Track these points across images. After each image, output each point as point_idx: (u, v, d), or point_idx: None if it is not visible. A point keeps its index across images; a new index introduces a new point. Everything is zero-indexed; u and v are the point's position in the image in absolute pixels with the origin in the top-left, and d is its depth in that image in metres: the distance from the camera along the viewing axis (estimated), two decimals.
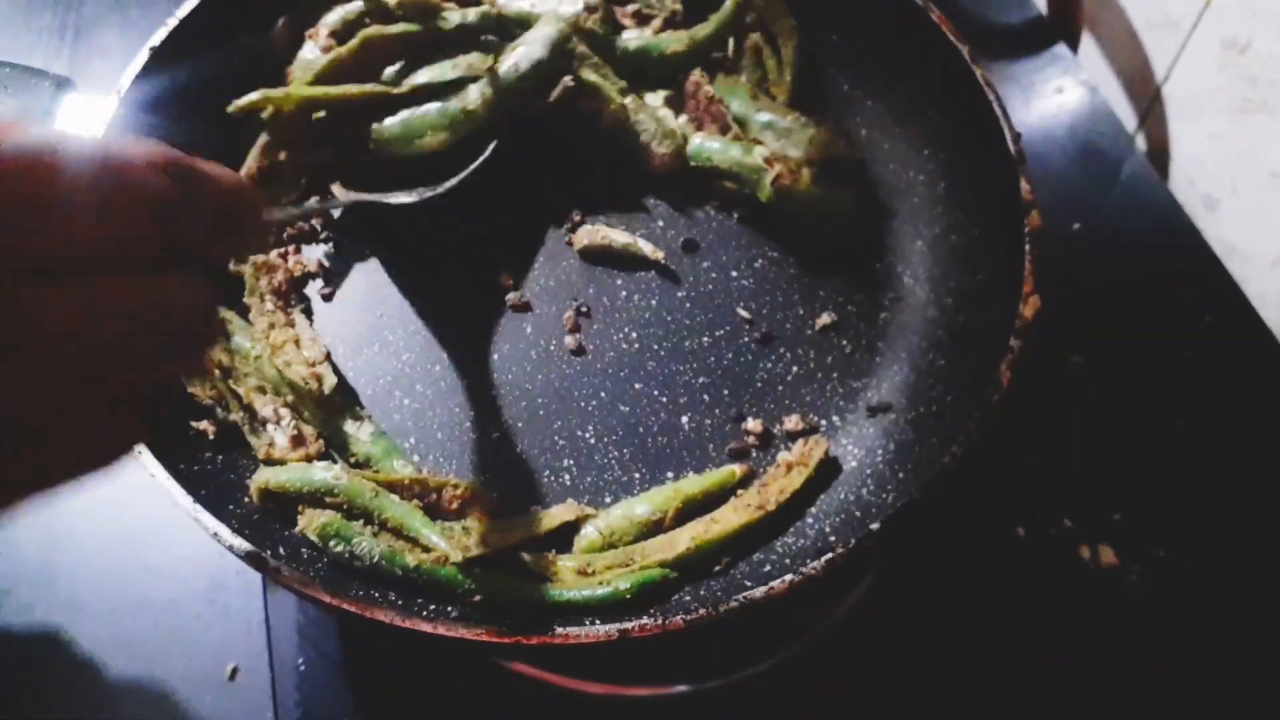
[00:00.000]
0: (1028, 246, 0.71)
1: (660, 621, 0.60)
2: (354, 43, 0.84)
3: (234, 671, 0.80)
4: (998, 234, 0.77)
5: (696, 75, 0.90)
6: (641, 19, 0.94)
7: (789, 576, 0.61)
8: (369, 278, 0.87)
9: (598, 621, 0.63)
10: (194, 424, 0.75)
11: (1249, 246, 1.02)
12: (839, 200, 0.86)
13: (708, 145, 0.87)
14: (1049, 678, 0.79)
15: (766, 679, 0.78)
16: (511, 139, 0.86)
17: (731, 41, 0.94)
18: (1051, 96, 1.13)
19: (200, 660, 0.81)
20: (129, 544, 0.86)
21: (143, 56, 0.81)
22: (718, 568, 0.71)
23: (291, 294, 0.84)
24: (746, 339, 0.83)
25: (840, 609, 0.81)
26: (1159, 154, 1.13)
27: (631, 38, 0.91)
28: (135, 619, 0.82)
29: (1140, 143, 1.15)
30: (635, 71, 0.90)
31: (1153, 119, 1.14)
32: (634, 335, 0.83)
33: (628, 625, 0.60)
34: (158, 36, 0.82)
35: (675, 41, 0.89)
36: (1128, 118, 1.16)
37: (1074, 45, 1.18)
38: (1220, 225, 1.05)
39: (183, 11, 0.83)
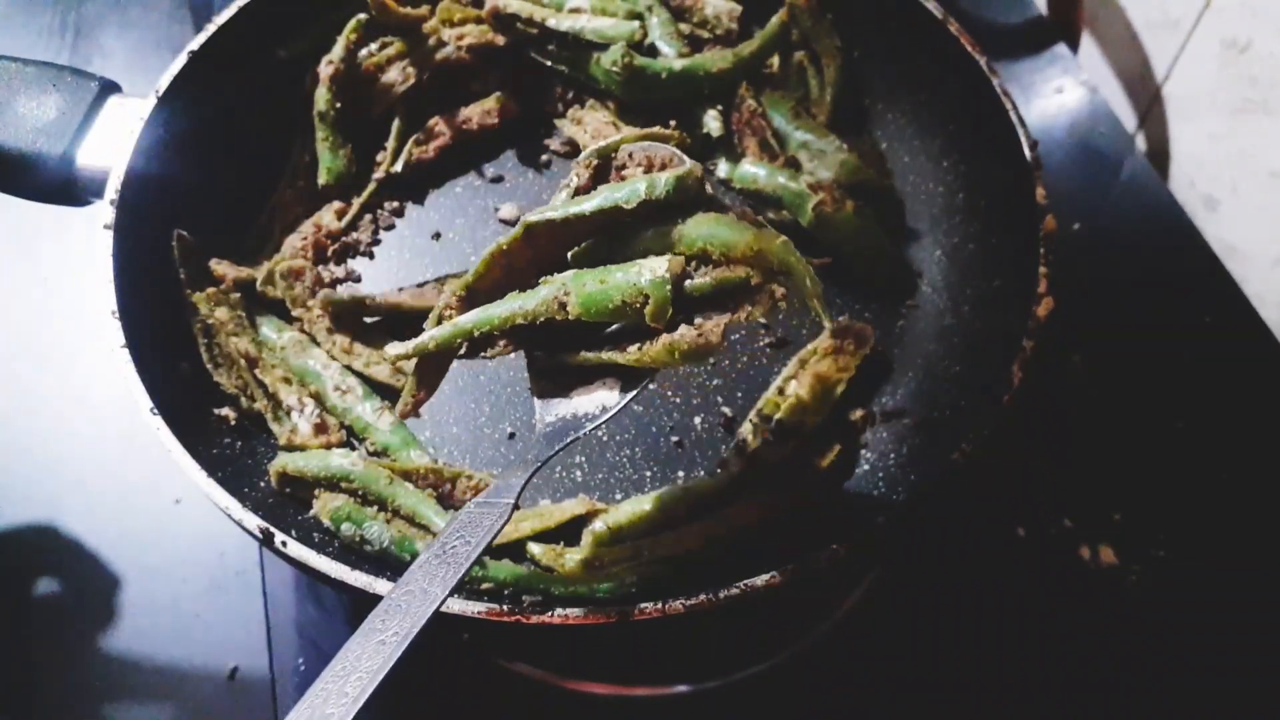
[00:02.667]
0: (1042, 250, 0.72)
1: (660, 606, 0.60)
2: None
3: (234, 671, 0.80)
4: (1013, 240, 0.78)
5: (742, 89, 0.91)
6: (695, 42, 0.94)
7: (791, 566, 0.61)
8: (391, 277, 0.87)
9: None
10: (215, 411, 0.76)
11: (1249, 246, 1.02)
12: (876, 233, 0.86)
13: (753, 170, 0.87)
14: (1049, 678, 0.79)
15: (766, 679, 0.78)
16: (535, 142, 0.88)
17: (778, 57, 0.94)
18: (1051, 96, 1.13)
19: (200, 660, 0.81)
20: (130, 545, 0.86)
21: (181, 60, 0.82)
22: (724, 565, 0.71)
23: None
24: (761, 343, 0.83)
25: (840, 609, 0.81)
26: (1159, 154, 1.13)
27: (676, 57, 0.91)
28: (135, 619, 0.83)
29: (1140, 143, 1.15)
30: (683, 90, 0.90)
31: (1153, 119, 1.14)
32: None
33: (627, 608, 0.60)
34: (197, 41, 0.83)
35: (720, 60, 0.89)
36: (1128, 118, 1.16)
37: (1074, 45, 1.18)
38: (1220, 225, 1.05)
39: (222, 19, 0.85)
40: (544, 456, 0.63)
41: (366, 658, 0.51)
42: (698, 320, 0.60)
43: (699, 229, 0.60)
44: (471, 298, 0.66)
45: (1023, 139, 0.77)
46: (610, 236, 0.64)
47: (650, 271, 0.59)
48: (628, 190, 0.62)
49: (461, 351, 0.66)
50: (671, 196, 0.61)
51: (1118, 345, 0.95)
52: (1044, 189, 0.75)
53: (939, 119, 0.89)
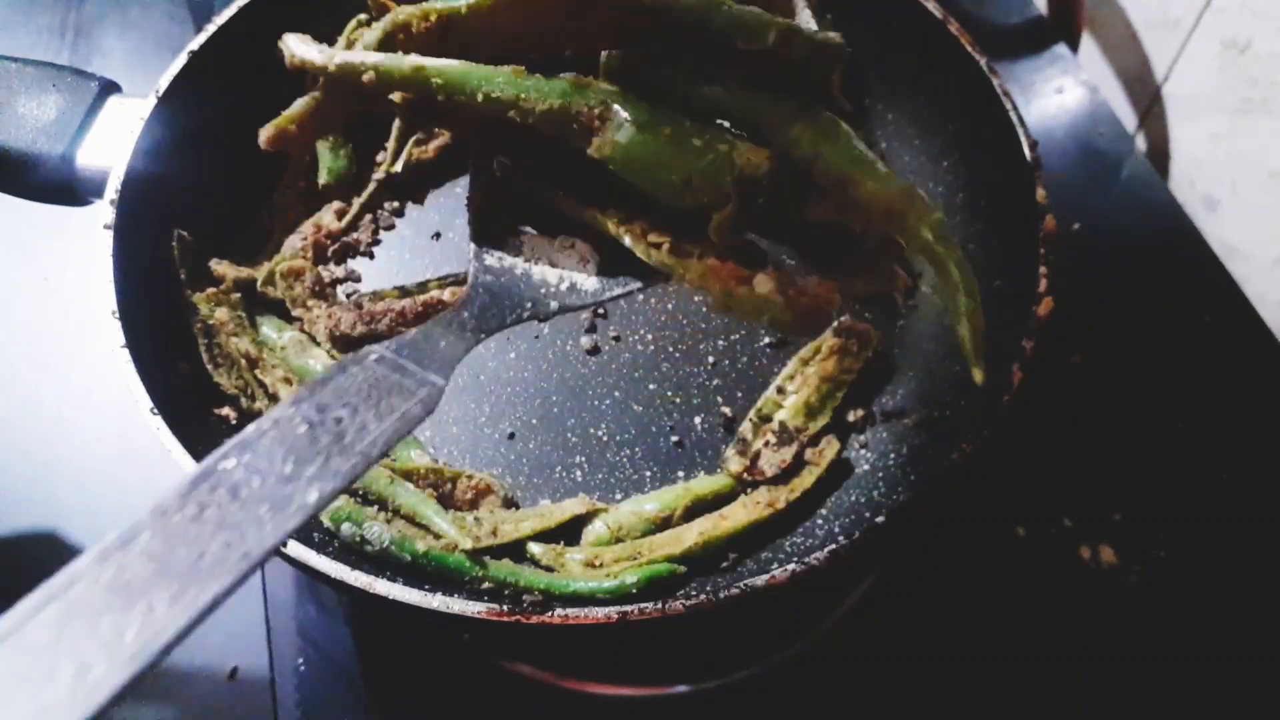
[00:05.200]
0: (1042, 250, 0.72)
1: (660, 606, 0.60)
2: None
3: (234, 671, 0.80)
4: (1014, 240, 0.77)
5: None
6: None
7: (791, 566, 0.61)
8: (391, 277, 0.87)
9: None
10: (215, 411, 0.76)
11: (1249, 246, 1.02)
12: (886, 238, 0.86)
13: None
14: (1049, 677, 0.79)
15: (766, 679, 0.78)
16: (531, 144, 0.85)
17: None
18: (1051, 96, 1.13)
19: (200, 660, 0.81)
20: None
21: (181, 60, 0.82)
22: (724, 564, 0.71)
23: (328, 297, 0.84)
24: (762, 343, 0.83)
25: (840, 609, 0.81)
26: (1159, 154, 1.13)
27: None
28: None
29: (1140, 143, 1.15)
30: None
31: (1153, 119, 1.14)
32: (649, 337, 0.83)
33: (627, 609, 0.60)
34: (197, 41, 0.83)
35: None
36: (1128, 118, 1.16)
37: (1074, 45, 1.18)
38: (1220, 225, 1.05)
39: (222, 19, 0.84)
40: (490, 324, 0.46)
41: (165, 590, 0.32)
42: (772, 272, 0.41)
43: (828, 141, 0.42)
44: (444, 34, 0.44)
45: (1023, 139, 0.77)
46: (693, 62, 0.43)
47: (746, 159, 0.40)
48: (754, 18, 0.41)
49: (397, 101, 0.44)
50: (805, 60, 0.42)
51: (1118, 345, 0.95)
52: (1044, 189, 0.75)
53: (939, 119, 0.89)
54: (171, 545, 0.31)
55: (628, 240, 0.43)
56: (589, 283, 0.47)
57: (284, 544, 0.33)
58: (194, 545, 0.30)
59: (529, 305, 0.46)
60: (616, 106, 0.41)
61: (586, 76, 0.42)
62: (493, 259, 0.47)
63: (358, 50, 0.44)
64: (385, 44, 0.44)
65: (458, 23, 0.42)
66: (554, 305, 0.47)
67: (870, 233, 0.42)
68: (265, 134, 0.44)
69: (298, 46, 0.45)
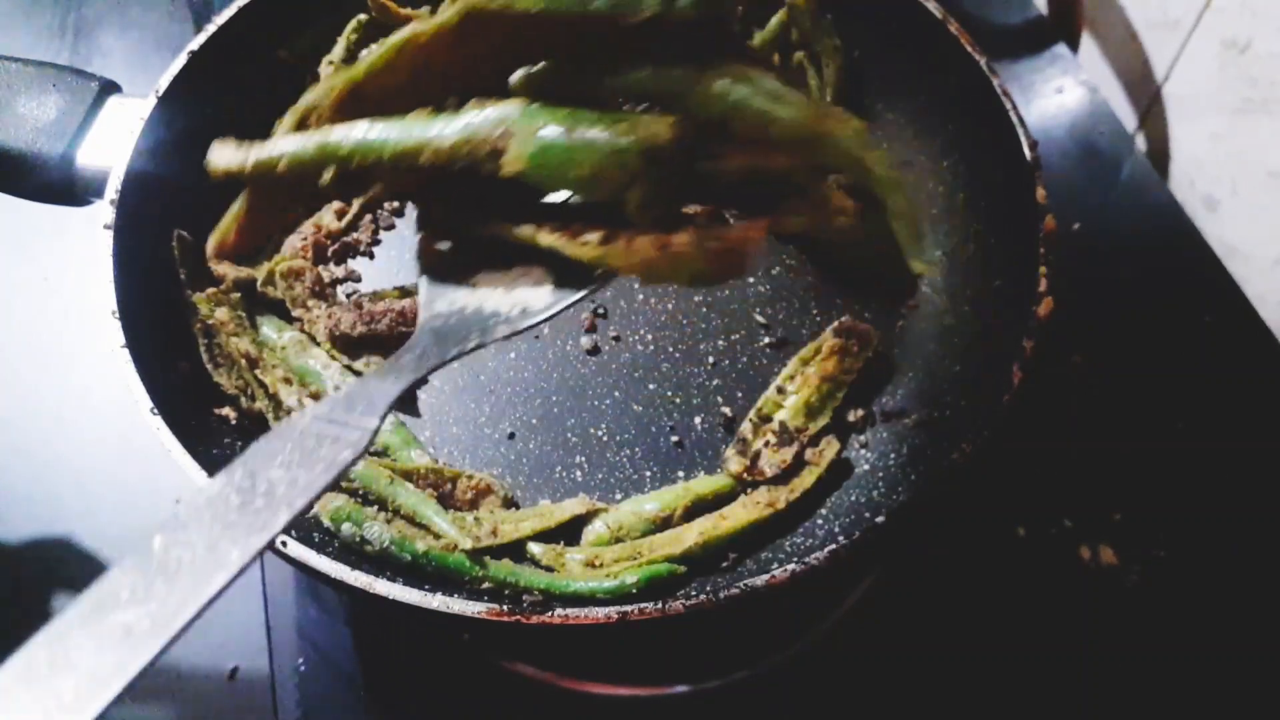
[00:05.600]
0: (1042, 250, 0.72)
1: (660, 606, 0.60)
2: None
3: (234, 671, 0.80)
4: (1014, 240, 0.78)
5: None
6: None
7: (791, 566, 0.61)
8: (391, 277, 0.87)
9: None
10: (215, 411, 0.76)
11: (1249, 246, 1.02)
12: (882, 238, 0.86)
13: None
14: (1049, 678, 0.79)
15: (766, 679, 0.78)
16: None
17: (777, 58, 0.94)
18: (1051, 96, 1.13)
19: (200, 660, 0.81)
20: (130, 545, 0.86)
21: (181, 60, 0.82)
22: (725, 564, 0.71)
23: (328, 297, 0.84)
24: (761, 343, 0.83)
25: (840, 609, 0.81)
26: (1159, 154, 1.13)
27: None
28: None
29: (1140, 143, 1.15)
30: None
31: (1153, 119, 1.14)
32: (649, 337, 0.83)
33: (627, 609, 0.60)
34: (197, 41, 0.83)
35: None
36: (1128, 118, 1.16)
37: (1074, 45, 1.18)
38: (1220, 225, 1.05)
39: (222, 19, 0.85)
40: (429, 364, 0.46)
41: (98, 653, 0.35)
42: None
43: (730, 87, 0.41)
44: (354, 102, 0.44)
45: (1023, 139, 0.77)
46: (586, 60, 0.43)
47: (645, 132, 0.40)
48: None
49: (324, 182, 0.44)
50: (695, 18, 0.41)
51: (1118, 345, 0.95)
52: (1044, 189, 0.75)
53: (939, 119, 0.89)
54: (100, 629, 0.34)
55: (562, 246, 0.43)
56: (538, 301, 0.46)
57: (202, 613, 0.35)
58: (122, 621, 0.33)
59: (474, 338, 0.46)
60: (516, 122, 0.41)
61: (484, 100, 0.43)
62: (444, 303, 0.48)
63: (272, 141, 0.44)
64: (300, 123, 0.45)
65: (361, 88, 0.43)
66: (501, 331, 0.47)
67: (797, 169, 0.42)
68: (209, 250, 0.47)
69: (218, 156, 0.46)
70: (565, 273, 0.45)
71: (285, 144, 0.43)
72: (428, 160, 0.42)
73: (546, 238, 0.44)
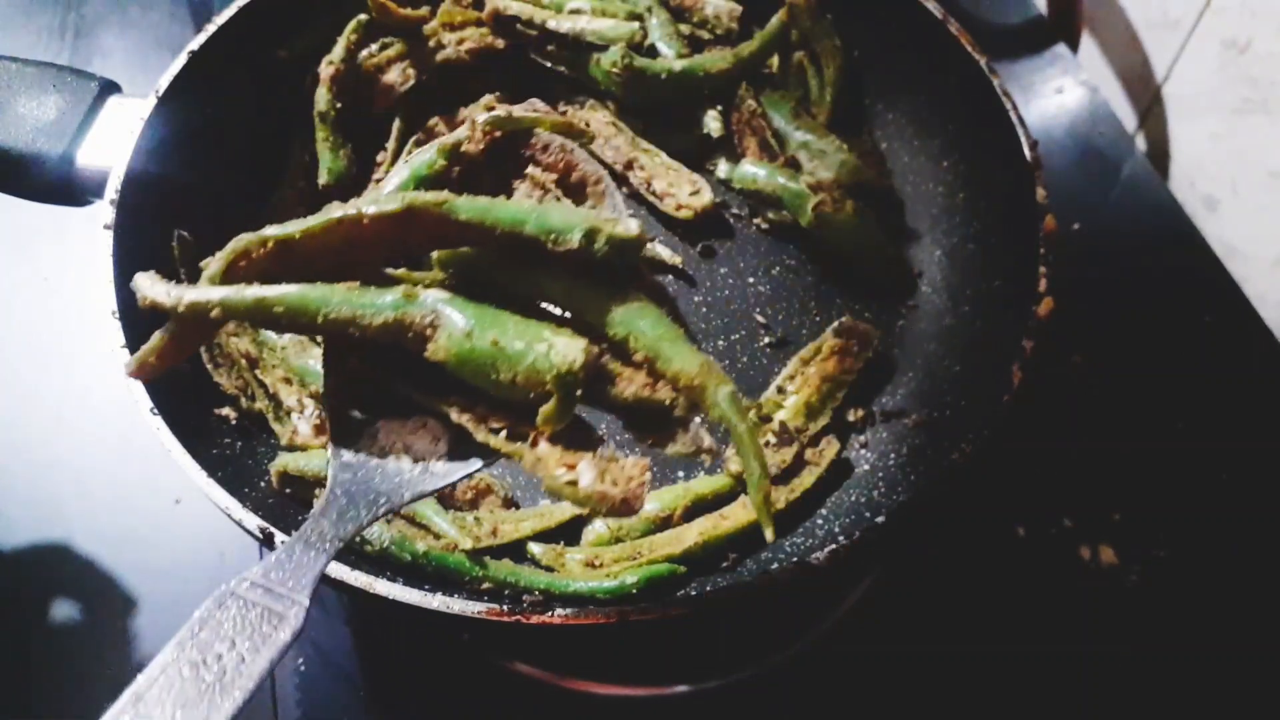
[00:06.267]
0: (1042, 250, 0.72)
1: (660, 606, 0.60)
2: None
3: None
4: (1014, 239, 0.78)
5: (741, 89, 0.91)
6: (695, 42, 0.94)
7: (791, 565, 0.61)
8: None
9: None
10: (215, 411, 0.76)
11: (1249, 246, 1.02)
12: (876, 233, 0.86)
13: (753, 170, 0.87)
14: (1049, 678, 0.79)
15: (766, 679, 0.78)
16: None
17: (777, 57, 0.95)
18: (1051, 96, 1.13)
19: None
20: (130, 545, 0.86)
21: (181, 60, 0.82)
22: (725, 564, 0.71)
23: None
24: (762, 343, 0.83)
25: (840, 609, 0.81)
26: (1159, 154, 1.13)
27: (676, 58, 0.90)
28: (136, 619, 0.82)
29: (1140, 143, 1.15)
30: (682, 91, 0.90)
31: (1153, 119, 1.14)
32: None
33: (627, 608, 0.60)
34: (197, 41, 0.83)
35: (720, 60, 0.89)
36: (1128, 118, 1.16)
37: (1074, 45, 1.18)
38: (1220, 225, 1.05)
39: (222, 19, 0.85)
40: (347, 530, 0.48)
41: None
42: (602, 453, 0.46)
43: (637, 321, 0.48)
44: (284, 259, 0.47)
45: (1023, 139, 0.77)
46: (509, 261, 0.49)
47: (561, 356, 0.45)
48: (560, 221, 0.47)
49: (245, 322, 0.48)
50: (608, 256, 0.48)
51: (1118, 345, 0.95)
52: (1044, 189, 0.75)
53: (939, 119, 0.89)
54: None
55: (472, 429, 0.48)
56: (439, 466, 0.50)
57: None
58: None
59: (384, 501, 0.49)
60: (444, 315, 0.46)
61: (414, 287, 0.48)
62: (350, 456, 0.51)
63: (202, 283, 0.48)
64: (229, 270, 0.48)
65: (293, 245, 0.47)
66: (407, 495, 0.50)
67: (678, 401, 0.48)
68: (128, 368, 0.50)
69: (147, 287, 0.49)
70: (460, 439, 0.49)
71: (219, 292, 0.47)
72: (356, 331, 0.46)
73: (457, 416, 0.48)
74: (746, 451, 0.49)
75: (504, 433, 0.48)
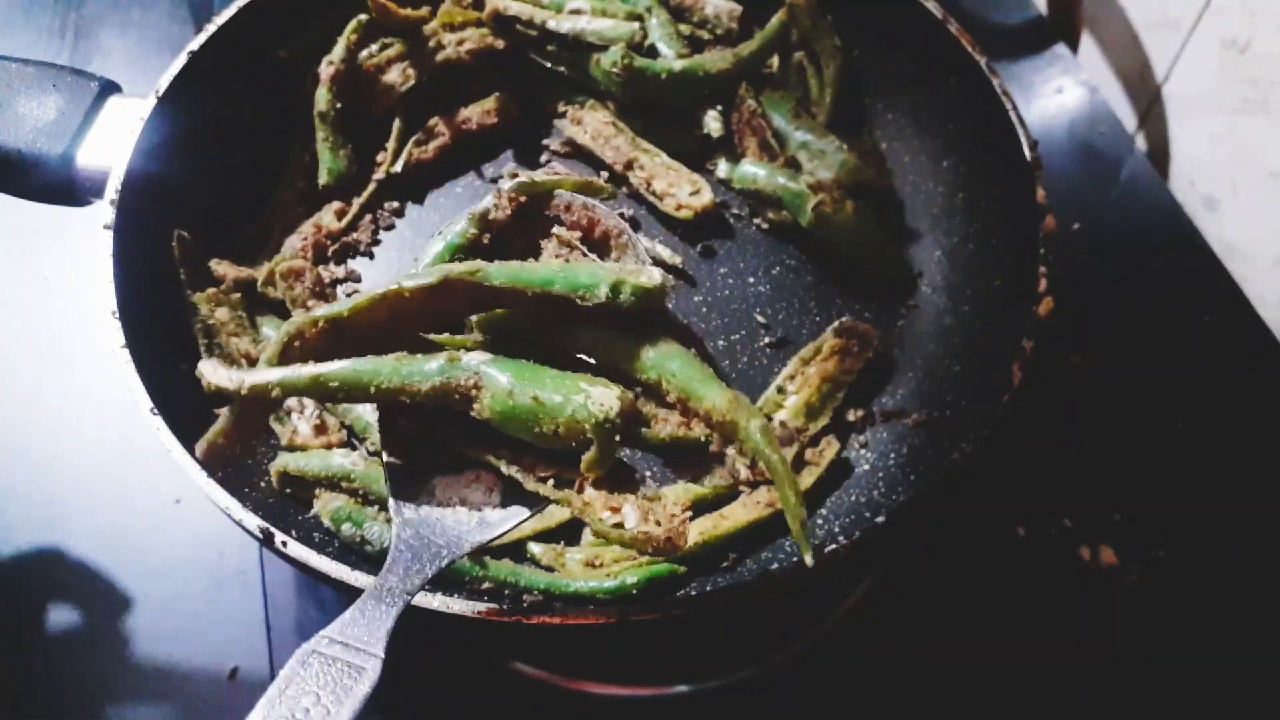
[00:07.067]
0: (1042, 250, 0.72)
1: (660, 606, 0.60)
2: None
3: (234, 671, 0.80)
4: (1014, 240, 0.78)
5: (741, 89, 0.91)
6: (694, 42, 0.94)
7: (791, 565, 0.61)
8: (391, 278, 0.86)
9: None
10: (216, 411, 0.75)
11: (1249, 247, 1.02)
12: (876, 233, 0.86)
13: (753, 170, 0.87)
14: (1049, 678, 0.79)
15: (766, 679, 0.78)
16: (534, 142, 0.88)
17: (777, 57, 0.95)
18: (1051, 96, 1.13)
19: (200, 660, 0.81)
20: (130, 545, 0.86)
21: (181, 60, 0.82)
22: (725, 564, 0.71)
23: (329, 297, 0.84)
24: (762, 343, 0.83)
25: (840, 609, 0.81)
26: (1159, 154, 1.13)
27: (676, 58, 0.90)
28: (135, 619, 0.82)
29: (1140, 143, 1.15)
30: (682, 91, 0.90)
31: (1153, 119, 1.14)
32: None
33: (627, 608, 0.60)
34: (197, 41, 0.83)
35: (720, 60, 0.89)
36: (1128, 118, 1.16)
37: (1074, 45, 1.18)
38: (1220, 225, 1.05)
39: (222, 19, 0.85)
40: (414, 583, 0.51)
41: None
42: (644, 492, 0.50)
43: (667, 364, 0.51)
44: (335, 335, 0.51)
45: (1023, 139, 0.78)
46: (539, 318, 0.53)
47: (599, 406, 0.48)
48: (587, 278, 0.51)
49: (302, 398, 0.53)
50: (633, 308, 0.51)
51: (1118, 345, 0.95)
52: (1044, 189, 0.75)
53: (939, 119, 0.89)
54: None
55: (521, 479, 0.52)
56: (494, 515, 0.54)
57: None
58: None
59: (445, 553, 0.53)
60: (487, 376, 0.50)
61: (457, 351, 0.52)
62: (411, 513, 0.54)
63: (260, 365, 0.52)
64: (285, 351, 0.52)
65: (343, 323, 0.51)
66: (466, 546, 0.53)
67: (712, 438, 0.52)
68: (200, 451, 0.54)
69: (211, 374, 0.53)
70: (513, 489, 0.53)
71: (277, 374, 0.50)
72: (407, 397, 0.50)
73: (506, 468, 0.52)
74: (781, 482, 0.50)
75: (551, 481, 0.52)
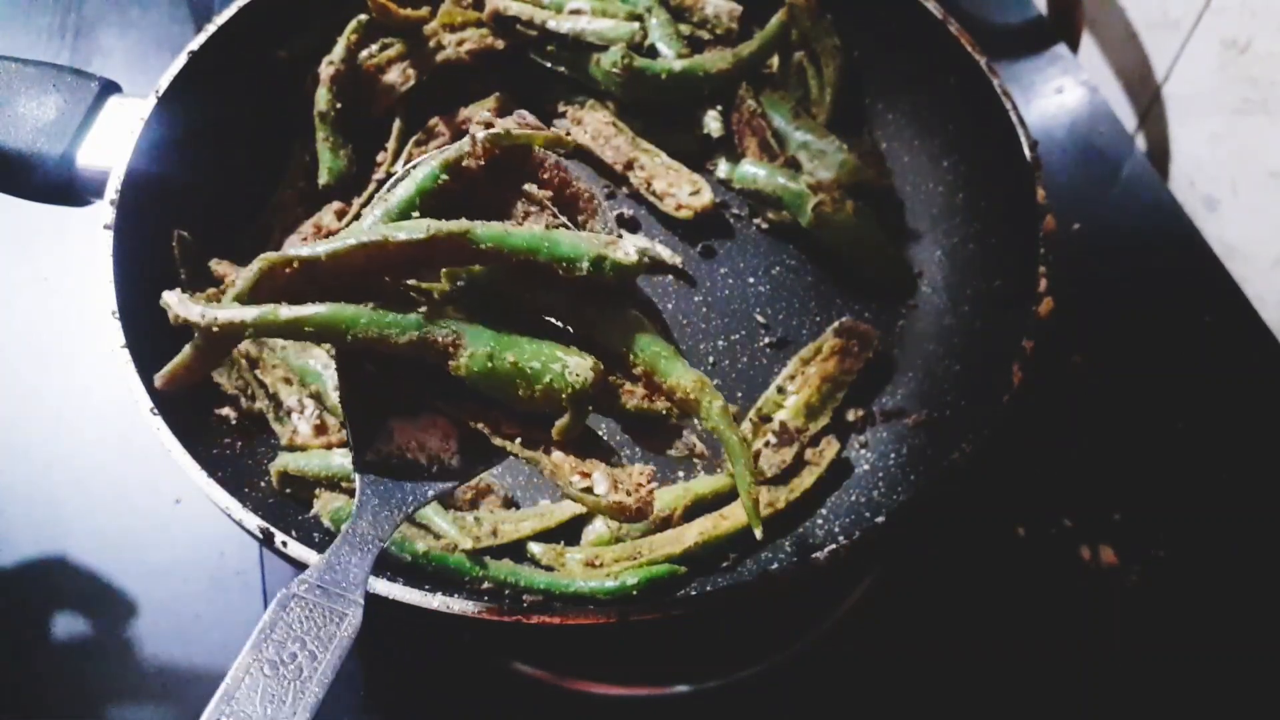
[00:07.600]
0: (1042, 250, 0.72)
1: (660, 606, 0.60)
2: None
3: None
4: (1013, 240, 0.78)
5: (741, 89, 0.91)
6: (695, 42, 0.94)
7: (791, 565, 0.61)
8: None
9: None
10: (216, 411, 0.76)
11: (1249, 247, 1.02)
12: (876, 233, 0.86)
13: (753, 170, 0.87)
14: (1049, 678, 0.79)
15: (766, 679, 0.78)
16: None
17: (777, 57, 0.95)
18: (1051, 96, 1.13)
19: (200, 660, 0.81)
20: (130, 545, 0.86)
21: (181, 60, 0.82)
22: (725, 564, 0.71)
23: None
24: (762, 343, 0.83)
25: (840, 609, 0.81)
26: (1159, 154, 1.13)
27: (676, 58, 0.90)
28: (135, 619, 0.82)
29: (1140, 143, 1.15)
30: (682, 91, 0.90)
31: (1153, 119, 1.14)
32: None
33: (627, 608, 0.60)
34: (197, 41, 0.83)
35: (720, 60, 0.89)
36: (1128, 118, 1.16)
37: (1074, 45, 1.18)
38: (1220, 225, 1.05)
39: (222, 19, 0.85)
40: (383, 531, 0.51)
41: None
42: (613, 460, 0.51)
43: (634, 337, 0.53)
44: (307, 277, 0.50)
45: (1023, 139, 0.78)
46: (515, 280, 0.53)
47: (574, 376, 0.50)
48: (570, 249, 0.51)
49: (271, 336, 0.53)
50: (613, 280, 0.52)
51: (1118, 345, 0.95)
52: (1044, 189, 0.75)
53: (939, 119, 0.89)
54: None
55: (489, 434, 0.52)
56: (454, 463, 0.54)
57: None
58: None
59: (410, 499, 0.53)
60: (466, 335, 0.50)
61: (433, 307, 0.52)
62: (371, 457, 0.54)
63: (228, 302, 0.51)
64: (255, 289, 0.51)
65: (318, 266, 0.50)
66: (430, 492, 0.53)
67: (673, 411, 0.53)
68: (160, 381, 0.53)
69: (177, 305, 0.51)
70: (470, 436, 0.53)
71: (252, 312, 0.49)
72: (383, 348, 0.50)
73: (474, 423, 0.53)
74: (736, 459, 0.53)
75: (519, 440, 0.52)
